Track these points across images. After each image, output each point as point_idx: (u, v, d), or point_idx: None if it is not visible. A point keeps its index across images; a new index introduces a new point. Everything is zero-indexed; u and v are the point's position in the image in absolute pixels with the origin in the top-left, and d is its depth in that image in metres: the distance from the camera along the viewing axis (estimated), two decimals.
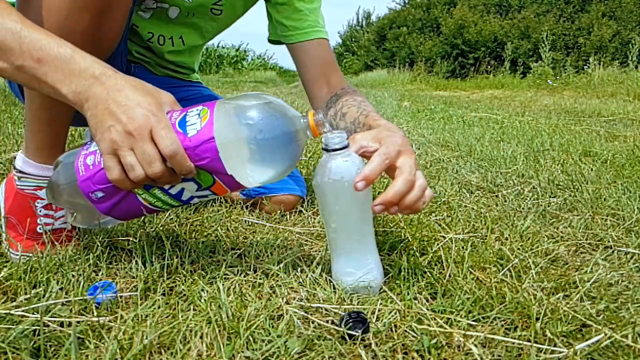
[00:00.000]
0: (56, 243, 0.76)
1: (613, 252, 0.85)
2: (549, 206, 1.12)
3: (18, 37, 0.56)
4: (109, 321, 0.57)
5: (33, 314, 0.56)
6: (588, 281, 0.70)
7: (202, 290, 0.64)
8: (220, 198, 1.08)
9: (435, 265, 0.75)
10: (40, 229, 0.76)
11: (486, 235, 0.89)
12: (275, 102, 0.62)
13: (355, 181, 0.60)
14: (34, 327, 0.53)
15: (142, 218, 0.89)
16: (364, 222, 0.65)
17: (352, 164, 0.62)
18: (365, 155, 0.65)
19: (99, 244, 0.76)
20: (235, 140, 0.59)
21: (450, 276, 0.70)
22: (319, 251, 0.81)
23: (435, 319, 0.59)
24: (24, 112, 0.78)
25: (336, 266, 0.67)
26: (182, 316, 0.57)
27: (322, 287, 0.67)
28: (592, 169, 1.50)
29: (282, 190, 1.03)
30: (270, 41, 1.07)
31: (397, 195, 0.61)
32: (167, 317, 0.58)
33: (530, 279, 0.71)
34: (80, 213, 0.67)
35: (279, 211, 1.03)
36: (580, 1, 9.02)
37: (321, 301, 0.63)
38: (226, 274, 0.70)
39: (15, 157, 0.80)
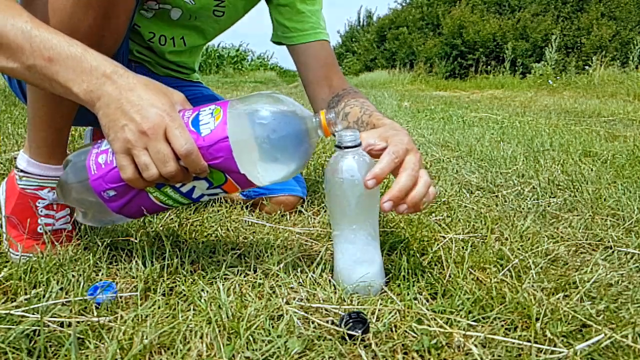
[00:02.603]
0: (56, 243, 0.76)
1: (613, 252, 0.85)
2: (549, 206, 1.12)
3: (28, 37, 0.56)
4: (109, 321, 0.57)
5: (33, 314, 0.56)
6: (588, 281, 0.70)
7: (202, 290, 0.65)
8: (221, 198, 1.08)
9: (435, 265, 0.75)
10: (40, 229, 0.76)
11: (486, 236, 0.89)
12: (288, 102, 0.63)
13: (366, 179, 0.60)
14: (34, 327, 0.53)
15: (143, 218, 0.89)
16: (370, 220, 0.66)
17: (363, 162, 0.63)
18: (372, 154, 0.65)
19: (99, 244, 0.76)
20: (249, 139, 0.59)
21: (450, 276, 0.70)
22: (319, 251, 0.81)
23: (435, 319, 0.59)
24: (26, 112, 0.78)
25: (339, 262, 0.67)
26: (182, 316, 0.57)
27: (322, 287, 0.67)
28: (592, 169, 1.50)
29: (282, 190, 1.03)
30: (274, 42, 1.07)
31: (402, 190, 0.61)
32: (167, 317, 0.58)
33: (530, 279, 0.71)
34: (90, 211, 0.68)
35: (279, 211, 1.03)
36: (579, 1, 9.02)
37: (321, 301, 0.63)
38: (226, 274, 0.70)
39: (16, 157, 0.80)
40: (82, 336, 0.53)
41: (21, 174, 0.77)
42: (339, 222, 0.65)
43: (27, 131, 0.76)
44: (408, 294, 0.64)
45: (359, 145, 0.63)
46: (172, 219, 0.95)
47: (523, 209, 1.10)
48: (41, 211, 0.77)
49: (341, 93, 0.94)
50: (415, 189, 0.62)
